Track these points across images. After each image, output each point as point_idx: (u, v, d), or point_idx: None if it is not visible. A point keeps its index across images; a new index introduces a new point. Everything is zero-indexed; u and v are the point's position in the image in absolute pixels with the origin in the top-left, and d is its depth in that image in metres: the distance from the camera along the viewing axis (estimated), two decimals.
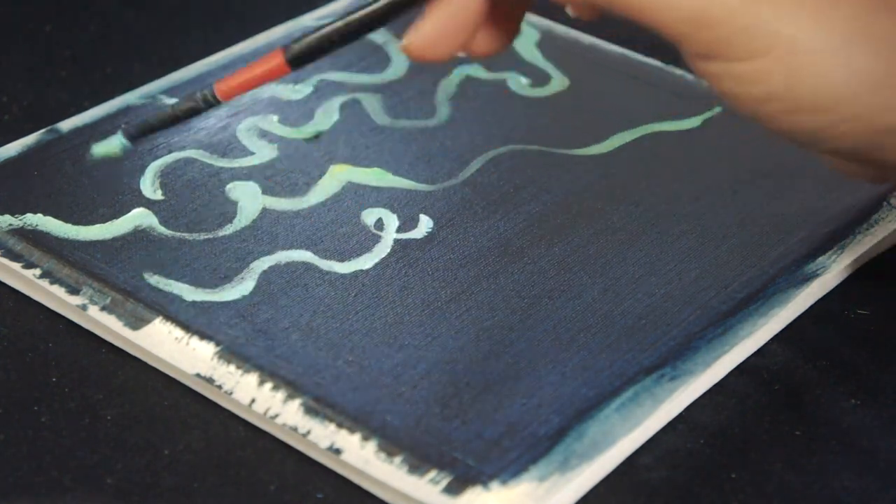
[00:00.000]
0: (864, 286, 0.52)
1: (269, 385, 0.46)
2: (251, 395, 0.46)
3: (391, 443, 0.44)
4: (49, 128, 0.58)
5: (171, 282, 0.50)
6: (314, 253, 0.52)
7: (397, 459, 0.44)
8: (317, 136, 0.58)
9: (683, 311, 0.49)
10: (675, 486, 0.45)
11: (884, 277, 0.52)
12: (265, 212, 0.54)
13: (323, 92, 0.61)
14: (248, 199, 0.54)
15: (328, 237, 0.53)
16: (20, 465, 0.45)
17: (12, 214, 0.53)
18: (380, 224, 0.53)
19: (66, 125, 0.58)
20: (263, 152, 0.57)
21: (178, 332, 0.48)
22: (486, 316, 0.49)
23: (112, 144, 0.49)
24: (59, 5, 0.71)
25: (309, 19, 0.66)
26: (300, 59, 0.46)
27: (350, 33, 0.46)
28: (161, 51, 0.67)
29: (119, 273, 0.50)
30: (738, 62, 0.42)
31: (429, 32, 0.45)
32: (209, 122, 0.59)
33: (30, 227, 0.52)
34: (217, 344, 0.47)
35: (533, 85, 0.62)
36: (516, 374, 0.47)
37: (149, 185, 0.55)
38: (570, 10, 0.46)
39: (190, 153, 0.57)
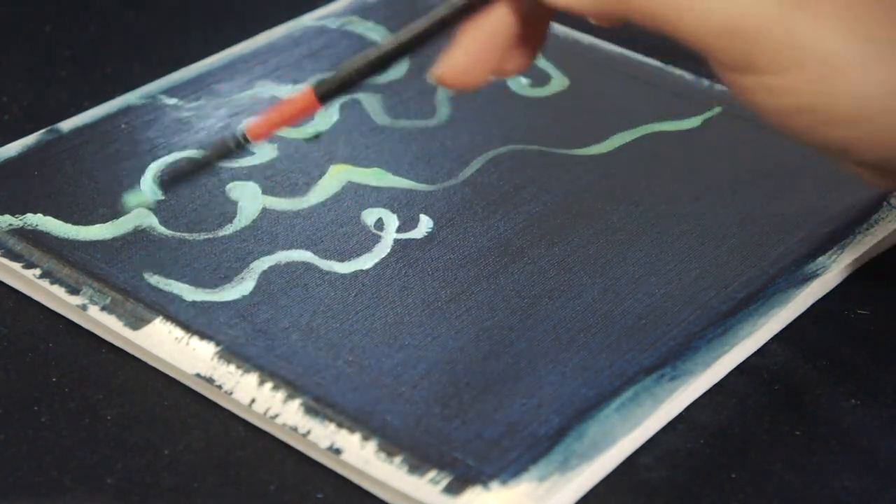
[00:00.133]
0: (864, 286, 0.52)
1: (269, 385, 0.46)
2: (251, 395, 0.46)
3: (391, 443, 0.44)
4: (49, 128, 0.58)
5: (171, 282, 0.50)
6: (314, 253, 0.52)
7: (397, 459, 0.44)
8: (317, 136, 0.58)
9: (683, 311, 0.49)
10: (675, 486, 0.45)
11: (884, 277, 0.52)
12: (265, 212, 0.54)
13: None
14: (248, 199, 0.54)
15: (328, 237, 0.53)
16: (20, 465, 0.45)
17: (12, 214, 0.53)
18: (380, 224, 0.53)
19: (66, 125, 0.58)
20: (263, 152, 0.57)
21: (178, 332, 0.48)
22: (486, 316, 0.49)
23: (145, 194, 0.48)
24: (59, 5, 0.71)
25: (309, 19, 0.66)
26: (329, 94, 0.45)
27: (375, 65, 0.45)
28: (161, 51, 0.67)
29: (119, 273, 0.50)
30: (770, 75, 0.42)
31: (461, 60, 0.45)
32: (209, 122, 0.59)
33: (30, 227, 0.52)
34: (217, 344, 0.47)
35: (533, 85, 0.62)
36: (516, 374, 0.47)
37: (149, 185, 0.55)
38: (592, 20, 0.45)
39: (190, 153, 0.57)
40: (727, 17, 0.42)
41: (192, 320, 0.48)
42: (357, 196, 0.55)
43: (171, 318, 0.48)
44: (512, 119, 0.60)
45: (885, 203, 0.54)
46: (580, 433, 0.45)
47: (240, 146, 0.46)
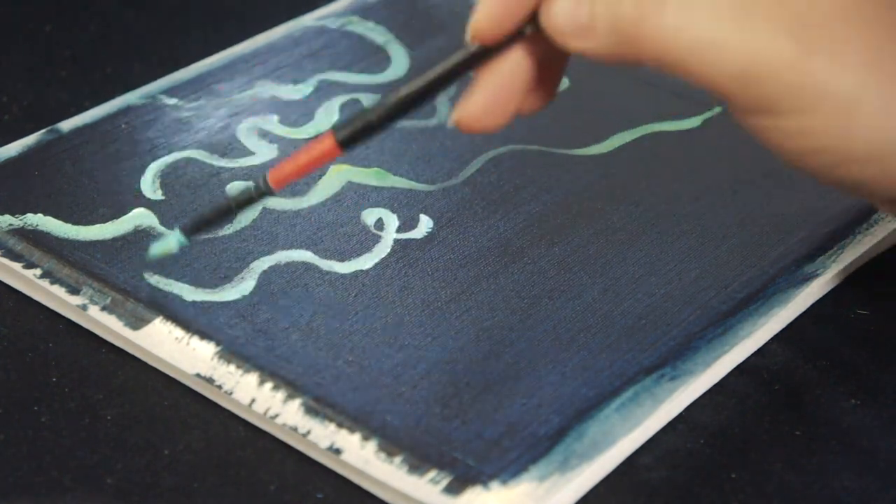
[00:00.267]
0: (864, 286, 0.52)
1: (269, 385, 0.46)
2: (251, 395, 0.46)
3: (391, 443, 0.44)
4: (49, 128, 0.58)
5: (171, 282, 0.50)
6: (314, 253, 0.52)
7: (397, 459, 0.44)
8: (317, 136, 0.58)
9: (683, 311, 0.49)
10: (675, 486, 0.45)
11: (884, 277, 0.52)
12: (265, 212, 0.54)
13: (323, 92, 0.61)
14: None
15: (328, 237, 0.53)
16: (20, 465, 0.45)
17: (12, 214, 0.53)
18: (380, 224, 0.53)
19: (66, 125, 0.58)
20: (263, 152, 0.57)
21: (179, 332, 0.48)
22: (486, 316, 0.49)
23: (169, 243, 0.48)
24: (59, 5, 0.71)
25: (309, 19, 0.66)
26: (350, 140, 0.45)
27: (396, 112, 0.44)
28: (161, 51, 0.67)
29: (119, 273, 0.50)
30: (786, 117, 0.42)
31: (479, 104, 0.44)
32: (209, 122, 0.59)
33: (30, 227, 0.52)
34: (217, 344, 0.47)
35: None
36: (516, 374, 0.47)
37: (149, 185, 0.55)
38: (606, 63, 0.45)
39: (190, 153, 0.57)
40: (742, 61, 0.41)
41: (192, 320, 0.48)
42: (357, 196, 0.55)
43: (171, 318, 0.48)
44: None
45: None
46: (580, 433, 0.45)
47: (262, 194, 0.46)
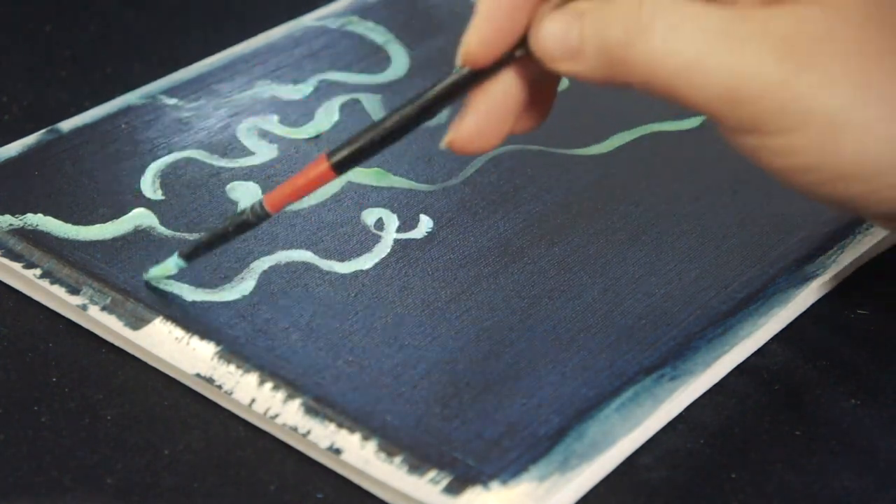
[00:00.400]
0: (864, 286, 0.52)
1: (269, 385, 0.46)
2: (251, 395, 0.46)
3: (391, 443, 0.44)
4: (49, 128, 0.58)
5: (171, 282, 0.50)
6: (314, 253, 0.52)
7: (397, 459, 0.44)
8: (317, 136, 0.58)
9: (683, 311, 0.49)
10: (675, 486, 0.45)
11: (884, 277, 0.52)
12: None
13: (323, 92, 0.61)
14: (248, 199, 0.54)
15: (328, 237, 0.53)
16: (20, 465, 0.45)
17: (12, 214, 0.53)
18: (380, 224, 0.53)
19: (66, 125, 0.58)
20: (263, 152, 0.57)
21: (178, 332, 0.48)
22: (486, 316, 0.49)
23: (168, 266, 0.49)
24: (59, 5, 0.71)
25: (309, 19, 0.66)
26: (345, 164, 0.46)
27: (390, 135, 0.45)
28: (161, 51, 0.67)
29: (119, 273, 0.50)
30: (774, 136, 0.42)
31: (472, 126, 0.44)
32: (209, 122, 0.59)
33: (30, 227, 0.52)
34: (217, 344, 0.47)
35: None
36: (516, 374, 0.47)
37: (149, 185, 0.55)
38: (597, 85, 0.45)
39: (190, 153, 0.57)
40: (728, 82, 0.41)
41: (192, 320, 0.48)
42: (357, 196, 0.55)
43: (171, 318, 0.48)
44: None
45: None
46: (580, 433, 0.45)
47: (259, 218, 0.47)
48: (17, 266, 0.51)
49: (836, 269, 0.51)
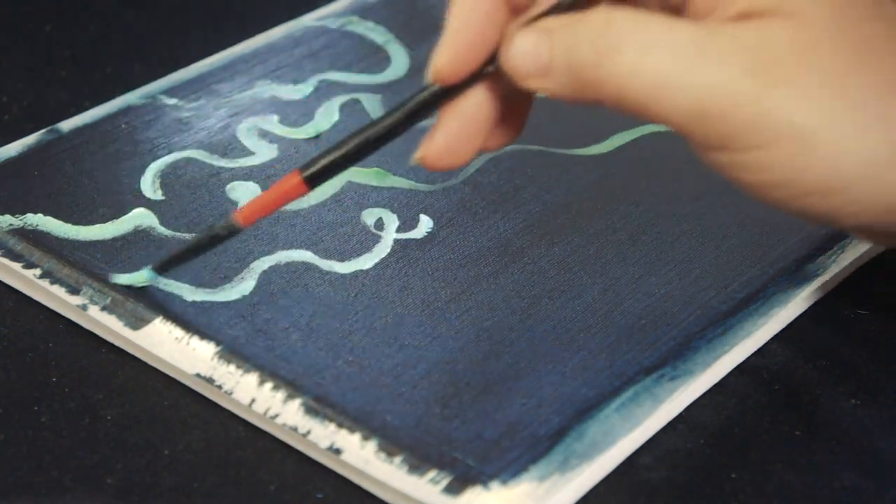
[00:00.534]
0: (864, 286, 0.52)
1: (269, 385, 0.46)
2: (251, 395, 0.46)
3: (391, 443, 0.44)
4: (49, 128, 0.58)
5: (171, 282, 0.50)
6: (314, 253, 0.52)
7: (397, 459, 0.44)
8: (317, 136, 0.58)
9: (683, 311, 0.49)
10: (675, 486, 0.45)
11: (884, 277, 0.52)
12: None
13: (323, 92, 0.61)
14: (248, 199, 0.54)
15: (328, 237, 0.53)
16: (20, 465, 0.45)
17: (12, 214, 0.53)
18: (380, 224, 0.53)
19: (66, 125, 0.58)
20: (263, 152, 0.57)
21: (178, 332, 0.48)
22: (486, 316, 0.49)
23: (139, 276, 0.49)
24: (59, 5, 0.71)
25: (309, 19, 0.66)
26: (317, 178, 0.46)
27: (362, 150, 0.45)
28: (161, 51, 0.67)
29: (119, 273, 0.50)
30: (744, 152, 0.42)
31: (442, 143, 0.44)
32: (209, 122, 0.59)
33: (30, 227, 0.52)
34: (217, 344, 0.47)
35: None
36: (516, 374, 0.47)
37: (149, 185, 0.55)
38: (567, 102, 0.45)
39: (190, 153, 0.57)
40: (699, 99, 0.41)
41: (192, 320, 0.48)
42: (357, 196, 0.55)
43: (171, 318, 0.48)
44: None
45: None
46: (580, 433, 0.45)
47: (231, 232, 0.47)
48: (17, 266, 0.51)
49: (836, 269, 0.51)
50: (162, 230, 0.53)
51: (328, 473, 0.45)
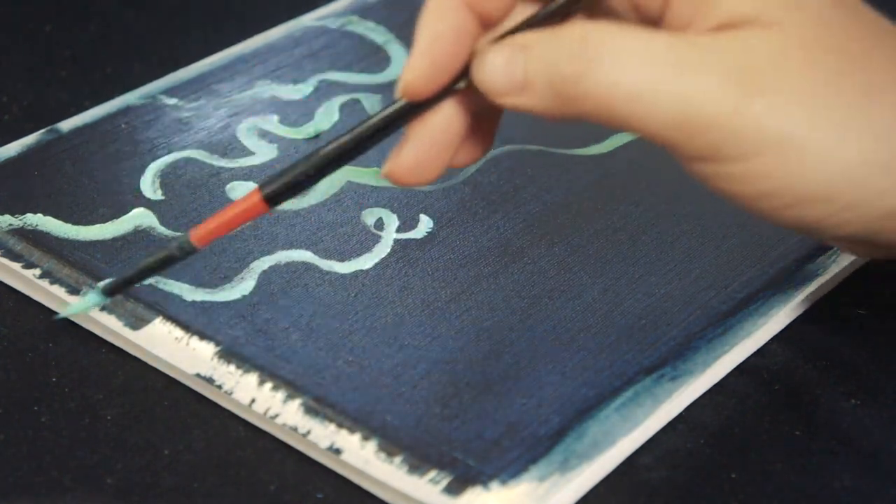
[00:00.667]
0: (864, 286, 0.52)
1: (269, 385, 0.46)
2: (251, 395, 0.46)
3: (391, 443, 0.44)
4: (49, 128, 0.58)
5: (171, 282, 0.50)
6: (314, 253, 0.52)
7: (397, 459, 0.44)
8: (317, 136, 0.58)
9: (683, 311, 0.49)
10: (675, 486, 0.45)
11: (884, 277, 0.52)
12: None
13: (323, 92, 0.61)
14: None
15: (328, 237, 0.53)
16: (20, 465, 0.45)
17: (12, 214, 0.53)
18: (380, 224, 0.53)
19: (66, 125, 0.58)
20: (263, 152, 0.57)
21: (178, 332, 0.48)
22: (486, 316, 0.49)
23: (87, 302, 0.48)
24: (59, 5, 0.71)
25: (309, 19, 0.66)
26: (277, 197, 0.44)
27: (326, 167, 0.44)
28: (161, 51, 0.67)
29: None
30: (730, 163, 0.42)
31: (410, 159, 0.43)
32: (209, 122, 0.59)
33: (30, 227, 0.52)
34: (217, 344, 0.47)
35: None
36: (516, 374, 0.47)
37: (149, 185, 0.55)
38: (546, 119, 0.44)
39: (190, 153, 0.57)
40: (681, 111, 0.41)
41: (192, 320, 0.48)
42: (357, 196, 0.55)
43: (171, 318, 0.48)
44: (512, 119, 0.60)
45: None
46: (580, 433, 0.45)
47: (185, 253, 0.45)
48: (16, 266, 0.51)
49: (836, 269, 0.51)
50: (162, 230, 0.53)
51: (328, 473, 0.45)
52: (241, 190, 0.55)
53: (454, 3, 0.43)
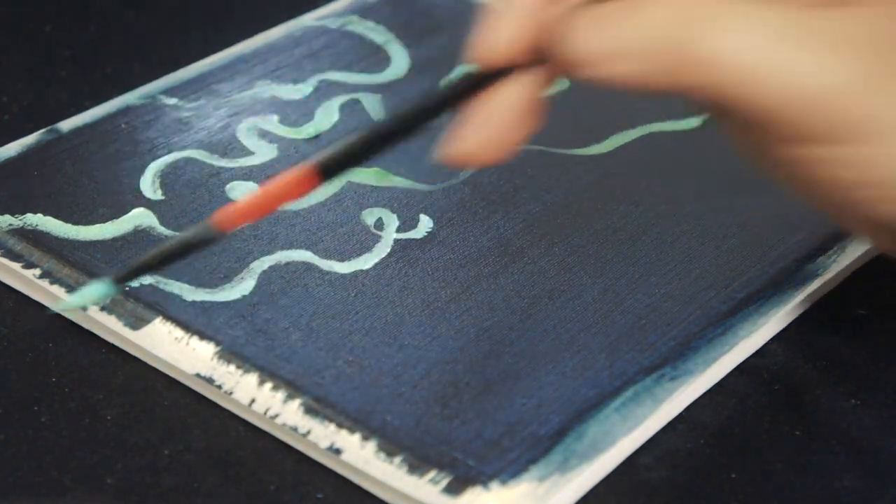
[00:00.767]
0: (864, 286, 0.52)
1: (269, 385, 0.46)
2: (251, 395, 0.46)
3: (391, 443, 0.44)
4: (49, 128, 0.58)
5: (171, 282, 0.50)
6: (314, 253, 0.52)
7: (397, 459, 0.44)
8: (317, 136, 0.58)
9: (683, 311, 0.49)
10: (675, 486, 0.45)
11: (884, 277, 0.52)
12: None
13: (323, 92, 0.61)
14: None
15: (328, 237, 0.53)
16: (20, 465, 0.45)
17: (12, 214, 0.53)
18: (380, 224, 0.53)
19: (66, 125, 0.58)
20: (263, 152, 0.57)
21: (178, 332, 0.48)
22: (486, 316, 0.49)
23: (93, 293, 0.44)
24: (59, 5, 0.71)
25: (309, 19, 0.66)
26: (332, 167, 0.41)
27: (388, 138, 0.41)
28: (161, 51, 0.67)
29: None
30: (839, 146, 0.40)
31: (476, 138, 0.41)
32: (209, 122, 0.59)
33: (30, 227, 0.52)
34: (217, 344, 0.47)
35: None
36: (516, 374, 0.47)
37: (149, 185, 0.55)
38: (637, 92, 0.41)
39: (190, 153, 0.57)
40: (803, 86, 0.38)
41: (192, 320, 0.48)
42: (357, 196, 0.55)
43: (171, 318, 0.48)
44: None
45: None
46: (580, 433, 0.45)
47: (209, 241, 0.42)
48: (16, 266, 0.51)
49: (836, 269, 0.51)
50: (162, 230, 0.53)
51: (328, 473, 0.45)
52: (241, 190, 0.55)
53: None
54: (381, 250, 0.52)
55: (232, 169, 0.56)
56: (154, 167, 0.56)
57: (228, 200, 0.54)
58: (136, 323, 0.48)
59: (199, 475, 0.45)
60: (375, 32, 0.65)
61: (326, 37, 0.65)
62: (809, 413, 0.47)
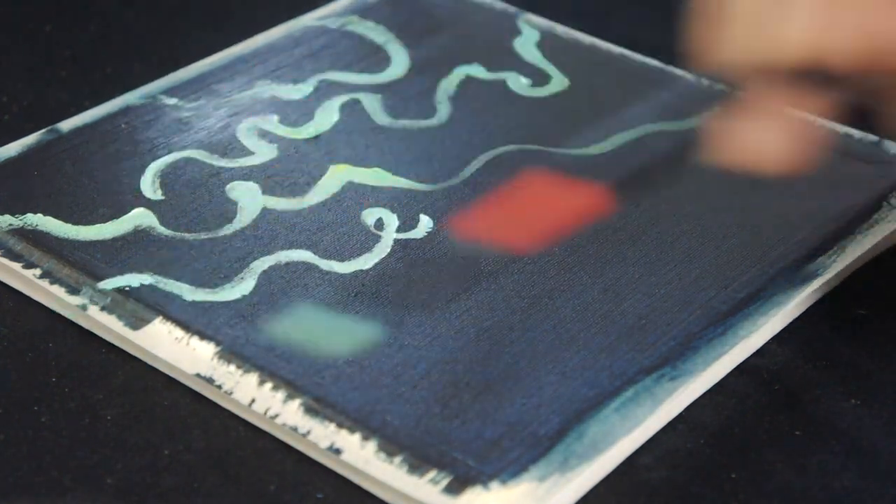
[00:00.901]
0: (864, 286, 0.52)
1: (269, 385, 0.46)
2: (251, 395, 0.46)
3: (391, 443, 0.44)
4: (49, 128, 0.58)
5: (171, 282, 0.50)
6: (314, 253, 0.52)
7: (397, 459, 0.44)
8: (317, 136, 0.58)
9: (683, 311, 0.49)
10: (675, 486, 0.45)
11: (884, 277, 0.52)
12: (265, 212, 0.54)
13: (323, 92, 0.61)
14: (248, 199, 0.54)
15: (328, 237, 0.53)
16: (20, 465, 0.45)
17: (12, 214, 0.53)
18: (380, 224, 0.53)
19: (66, 125, 0.58)
20: (263, 152, 0.57)
21: (178, 332, 0.48)
22: (486, 316, 0.49)
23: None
24: (59, 5, 0.71)
25: (309, 19, 0.66)
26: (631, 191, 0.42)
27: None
28: (161, 51, 0.67)
29: (119, 273, 0.50)
30: None
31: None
32: (209, 122, 0.59)
33: (30, 227, 0.52)
34: (217, 344, 0.47)
35: (533, 85, 0.62)
36: (516, 374, 0.47)
37: (149, 185, 0.55)
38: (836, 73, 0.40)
39: (190, 153, 0.57)
40: None
41: (192, 320, 0.48)
42: (357, 196, 0.55)
43: (171, 318, 0.48)
44: (512, 119, 0.60)
45: (884, 203, 0.54)
46: (580, 433, 0.45)
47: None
48: (16, 266, 0.51)
49: (836, 269, 0.51)
50: (162, 230, 0.53)
51: (328, 473, 0.45)
52: (241, 190, 0.55)
53: None
54: (381, 250, 0.52)
55: (232, 169, 0.56)
56: (154, 167, 0.56)
57: (228, 201, 0.54)
58: (136, 323, 0.48)
59: (199, 475, 0.45)
60: (375, 32, 0.65)
61: (326, 37, 0.65)
62: (809, 413, 0.47)
